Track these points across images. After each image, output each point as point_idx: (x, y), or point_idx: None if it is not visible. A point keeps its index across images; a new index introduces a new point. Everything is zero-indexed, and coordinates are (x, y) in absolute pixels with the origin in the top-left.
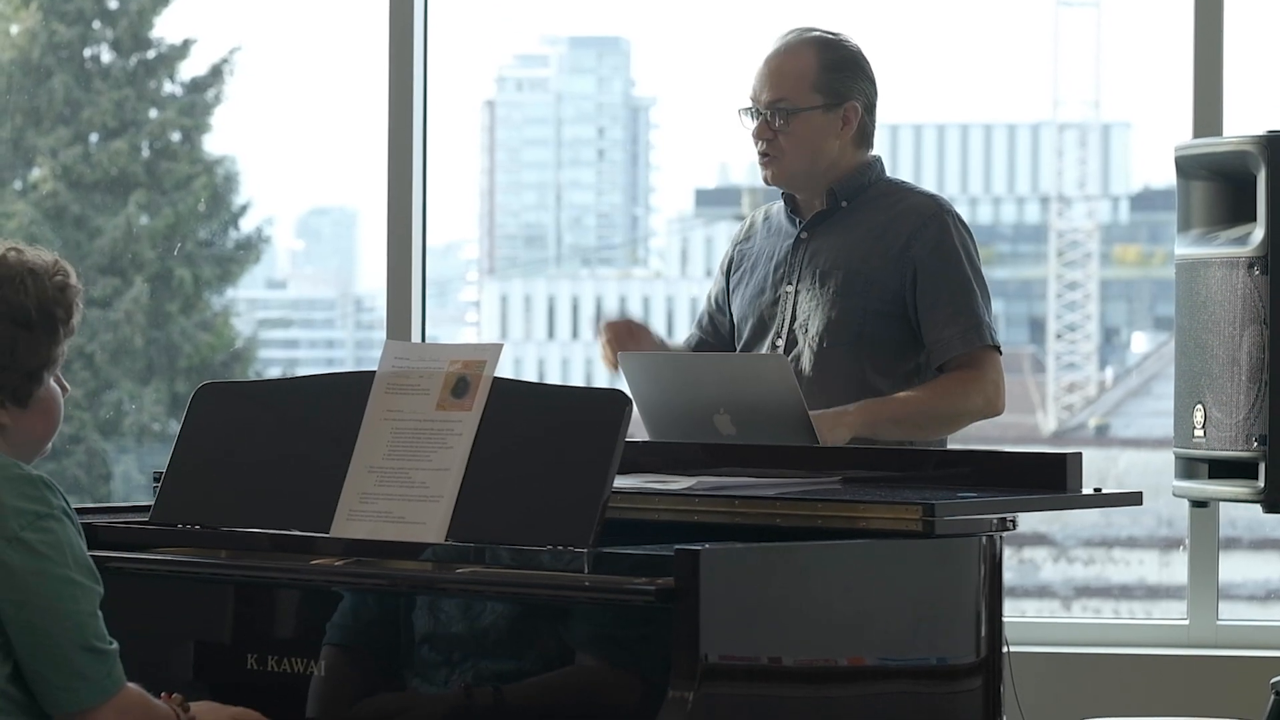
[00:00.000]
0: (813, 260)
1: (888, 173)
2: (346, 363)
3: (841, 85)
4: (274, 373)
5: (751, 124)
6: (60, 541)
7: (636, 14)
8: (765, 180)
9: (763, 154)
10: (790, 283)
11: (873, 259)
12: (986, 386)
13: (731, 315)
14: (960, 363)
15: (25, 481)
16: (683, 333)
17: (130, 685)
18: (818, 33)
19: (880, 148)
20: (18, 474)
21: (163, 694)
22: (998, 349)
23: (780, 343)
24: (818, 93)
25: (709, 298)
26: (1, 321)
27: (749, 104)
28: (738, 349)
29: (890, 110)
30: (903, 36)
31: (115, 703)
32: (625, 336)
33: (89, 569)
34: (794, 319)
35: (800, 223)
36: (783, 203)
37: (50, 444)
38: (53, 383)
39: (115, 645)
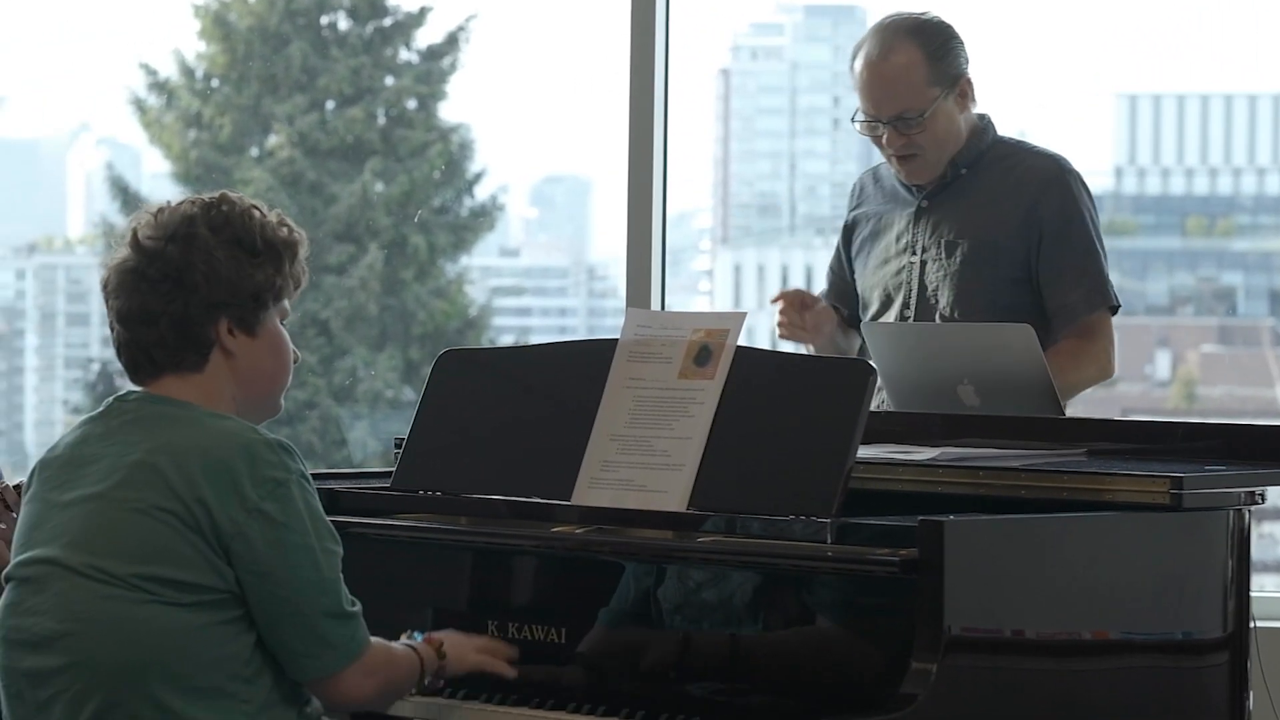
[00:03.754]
0: (936, 230)
1: (1012, 133)
2: (579, 331)
3: (949, 67)
4: (506, 340)
5: (872, 131)
6: (299, 508)
7: None
8: (905, 179)
9: (900, 156)
10: (914, 253)
11: (998, 226)
12: (1099, 354)
13: (854, 283)
14: (1077, 330)
15: (263, 446)
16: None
17: (374, 642)
18: (905, 20)
19: (1120, 118)
20: (254, 439)
21: (426, 637)
22: (1113, 310)
23: (909, 313)
24: (934, 86)
25: (830, 270)
26: (232, 248)
27: (864, 117)
28: (865, 320)
29: (1131, 80)
30: (1143, 6)
31: (361, 664)
32: (799, 308)
33: (329, 532)
34: (922, 289)
35: (917, 191)
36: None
37: (281, 393)
38: (280, 325)
39: (358, 607)
